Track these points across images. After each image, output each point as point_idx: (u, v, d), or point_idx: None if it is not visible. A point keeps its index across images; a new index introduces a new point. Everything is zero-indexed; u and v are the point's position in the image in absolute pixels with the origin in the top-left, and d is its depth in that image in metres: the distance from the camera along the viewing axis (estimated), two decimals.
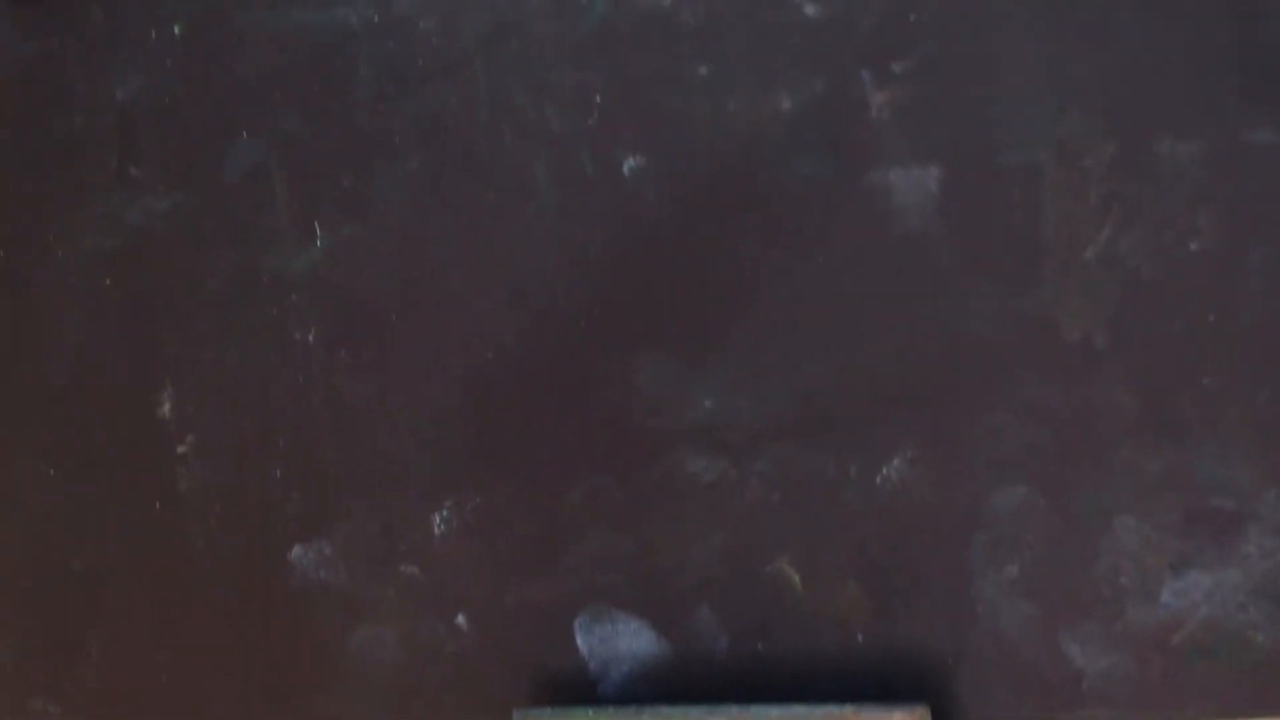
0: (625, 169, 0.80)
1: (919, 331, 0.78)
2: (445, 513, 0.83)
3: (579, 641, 0.83)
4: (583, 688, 0.83)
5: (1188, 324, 0.76)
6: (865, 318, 0.79)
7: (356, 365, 0.84)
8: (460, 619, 0.84)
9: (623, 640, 0.82)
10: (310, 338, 0.84)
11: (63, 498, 0.87)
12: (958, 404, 0.79)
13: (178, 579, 0.85)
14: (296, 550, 0.85)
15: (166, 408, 0.86)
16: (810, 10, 0.77)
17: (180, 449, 0.86)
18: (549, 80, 0.80)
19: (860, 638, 0.80)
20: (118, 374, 0.86)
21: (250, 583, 0.85)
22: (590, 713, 0.78)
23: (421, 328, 0.83)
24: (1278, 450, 0.76)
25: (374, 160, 0.83)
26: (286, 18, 0.83)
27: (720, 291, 0.80)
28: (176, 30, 0.84)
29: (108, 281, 0.86)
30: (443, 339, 0.83)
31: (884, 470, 0.80)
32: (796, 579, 0.81)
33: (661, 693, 0.82)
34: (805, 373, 0.80)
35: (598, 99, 0.80)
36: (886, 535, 0.80)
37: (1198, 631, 0.77)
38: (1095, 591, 0.78)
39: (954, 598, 0.79)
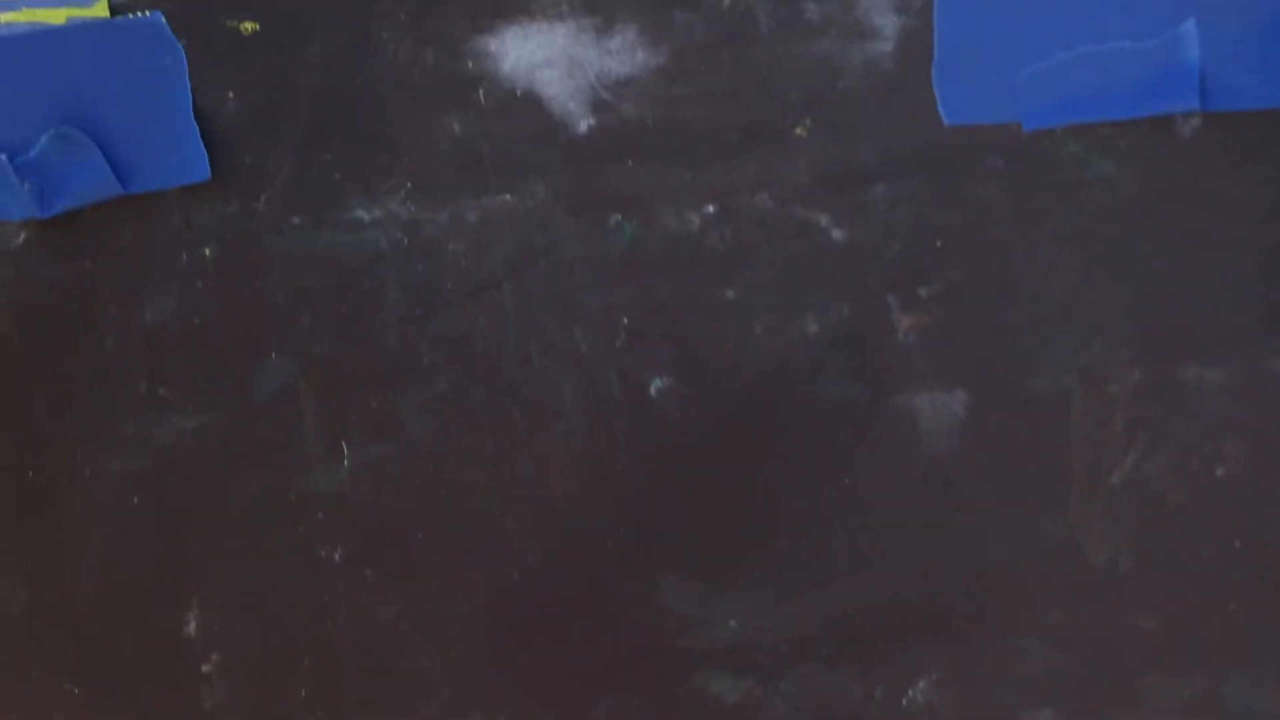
0: (652, 390, 0.81)
1: (945, 554, 0.79)
2: None
3: None
4: None
5: (1214, 549, 0.76)
6: (891, 540, 0.79)
7: (382, 584, 0.84)
8: None
9: None
10: (337, 556, 0.85)
11: (87, 716, 0.86)
12: (983, 627, 0.79)
13: None
14: None
15: (192, 626, 0.86)
16: (837, 235, 0.78)
17: (205, 668, 0.86)
18: (577, 302, 0.81)
19: None
20: (144, 592, 0.86)
21: None
22: None
23: (447, 547, 0.84)
24: None
25: (402, 381, 0.83)
26: (316, 241, 0.83)
27: (746, 512, 0.80)
28: (207, 252, 0.85)
29: (135, 501, 0.86)
30: (468, 558, 0.83)
31: (909, 692, 0.80)
32: None
33: None
34: (831, 594, 0.80)
35: (625, 321, 0.81)
36: None
37: None
38: None
39: None
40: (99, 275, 0.86)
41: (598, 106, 0.79)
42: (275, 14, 0.82)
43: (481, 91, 0.81)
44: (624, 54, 0.79)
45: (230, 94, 0.83)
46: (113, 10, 0.83)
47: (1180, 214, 0.74)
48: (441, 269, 0.82)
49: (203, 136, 0.84)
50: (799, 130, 0.78)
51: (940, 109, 0.76)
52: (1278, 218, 0.73)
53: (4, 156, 0.84)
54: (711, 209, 0.79)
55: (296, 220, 0.83)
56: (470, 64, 0.80)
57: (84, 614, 0.87)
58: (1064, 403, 0.76)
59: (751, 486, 0.80)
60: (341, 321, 0.84)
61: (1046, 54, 0.74)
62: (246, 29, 0.83)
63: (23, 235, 0.87)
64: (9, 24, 0.84)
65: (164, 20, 0.83)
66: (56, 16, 0.84)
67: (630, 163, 0.79)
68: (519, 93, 0.80)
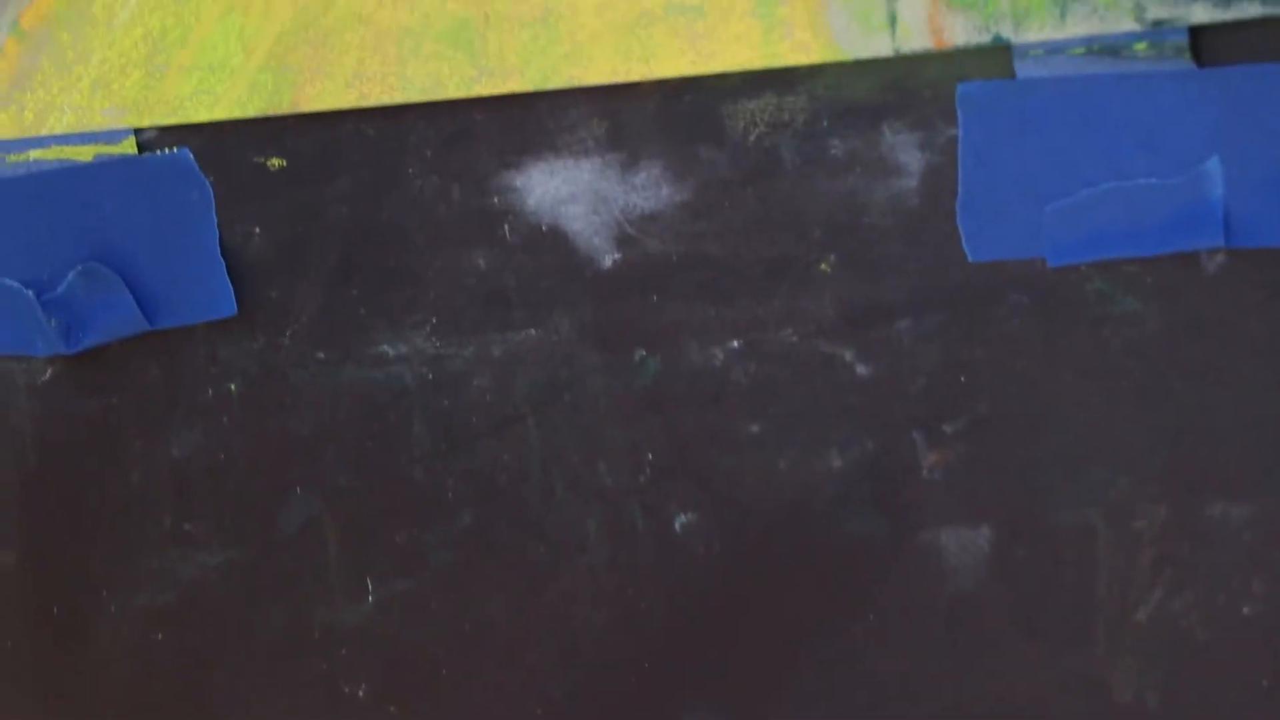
0: (677, 525, 0.81)
1: (970, 690, 0.78)
2: None
3: None
4: None
5: (1242, 687, 0.76)
6: (916, 676, 0.79)
7: None
8: None
9: None
10: (360, 692, 0.84)
11: None
12: None
13: None
14: None
15: None
16: (861, 370, 0.78)
17: None
18: (601, 437, 0.81)
19: None
20: None
21: None
22: None
23: (472, 682, 0.83)
24: None
25: (426, 515, 0.83)
26: (341, 375, 0.84)
27: (771, 648, 0.80)
28: (233, 387, 0.85)
29: (160, 636, 0.86)
30: (493, 693, 0.83)
31: None
32: None
33: None
34: None
35: (649, 456, 0.81)
36: None
37: None
38: None
39: None
40: (125, 410, 0.86)
41: (622, 242, 0.80)
42: (302, 150, 0.83)
43: (507, 227, 0.81)
44: (649, 189, 0.79)
45: (257, 229, 0.84)
46: (141, 147, 0.84)
47: (1206, 350, 0.74)
48: (466, 403, 0.82)
49: (229, 272, 0.84)
50: (823, 266, 0.78)
51: (964, 245, 0.76)
52: None
53: (31, 293, 0.85)
54: (736, 344, 0.79)
55: (322, 355, 0.84)
56: (496, 200, 0.81)
57: None
58: (1090, 539, 0.76)
59: (776, 622, 0.80)
60: (366, 456, 0.84)
61: (1070, 191, 0.74)
62: (273, 165, 0.83)
63: (49, 371, 0.87)
64: (37, 161, 0.85)
65: (191, 157, 0.84)
66: (84, 154, 0.84)
67: (655, 298, 0.80)
68: (544, 228, 0.81)
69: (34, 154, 0.85)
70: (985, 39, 0.74)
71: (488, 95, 0.80)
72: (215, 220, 0.84)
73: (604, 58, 0.78)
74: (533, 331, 0.82)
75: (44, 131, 0.85)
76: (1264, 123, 0.72)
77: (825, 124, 0.77)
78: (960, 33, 0.74)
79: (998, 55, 0.74)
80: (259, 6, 0.82)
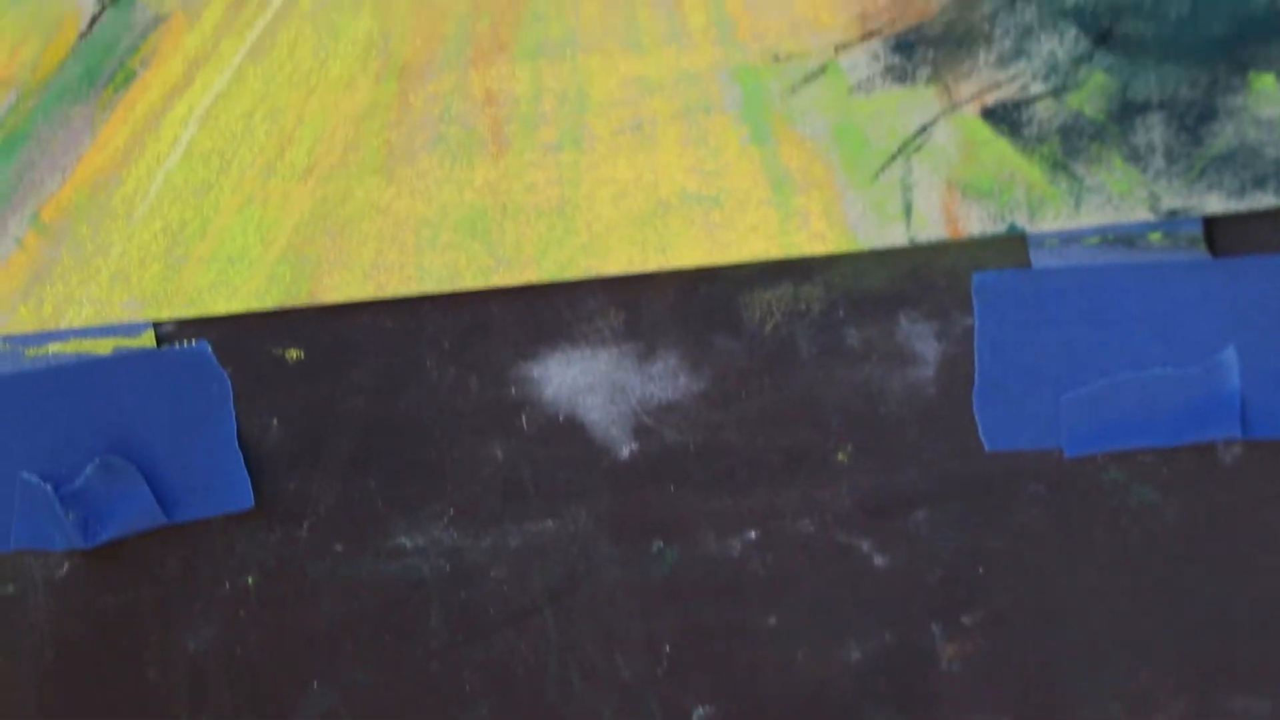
0: (695, 718, 0.80)
1: None
2: None
3: None
4: None
5: None
6: None
7: None
8: None
9: None
10: None
11: None
12: None
13: None
14: None
15: None
16: (879, 562, 0.78)
17: None
18: (618, 629, 0.81)
19: None
20: None
21: None
22: None
23: None
24: None
25: (444, 709, 0.83)
26: (359, 568, 0.84)
27: None
28: (250, 581, 0.85)
29: None
30: None
31: None
32: None
33: None
34: None
35: (667, 648, 0.81)
36: None
37: None
38: None
39: None
40: (142, 605, 0.86)
41: (640, 432, 0.80)
42: (320, 342, 0.83)
43: (524, 418, 0.81)
44: (666, 379, 0.79)
45: (274, 421, 0.84)
46: (159, 339, 0.84)
47: (1224, 542, 0.74)
48: (483, 595, 0.82)
49: (246, 464, 0.84)
50: (840, 456, 0.78)
51: (981, 435, 0.76)
52: None
53: (49, 486, 0.85)
54: (753, 535, 0.79)
55: (339, 548, 0.84)
56: (513, 390, 0.81)
57: None
58: None
59: None
60: (383, 649, 0.84)
61: (1087, 380, 0.74)
62: (291, 356, 0.84)
63: (66, 566, 0.87)
64: (56, 354, 0.85)
65: (210, 350, 0.84)
66: (103, 346, 0.85)
67: (672, 488, 0.80)
68: (561, 418, 0.81)
69: (53, 347, 0.85)
70: (1000, 228, 0.74)
71: (505, 286, 0.80)
72: (233, 413, 0.84)
73: (621, 248, 0.79)
74: (550, 522, 0.82)
75: (63, 325, 0.85)
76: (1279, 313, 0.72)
77: (841, 313, 0.77)
78: (976, 222, 0.75)
79: (1013, 245, 0.75)
80: (277, 198, 0.82)
